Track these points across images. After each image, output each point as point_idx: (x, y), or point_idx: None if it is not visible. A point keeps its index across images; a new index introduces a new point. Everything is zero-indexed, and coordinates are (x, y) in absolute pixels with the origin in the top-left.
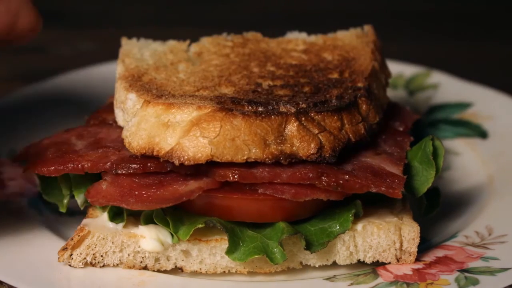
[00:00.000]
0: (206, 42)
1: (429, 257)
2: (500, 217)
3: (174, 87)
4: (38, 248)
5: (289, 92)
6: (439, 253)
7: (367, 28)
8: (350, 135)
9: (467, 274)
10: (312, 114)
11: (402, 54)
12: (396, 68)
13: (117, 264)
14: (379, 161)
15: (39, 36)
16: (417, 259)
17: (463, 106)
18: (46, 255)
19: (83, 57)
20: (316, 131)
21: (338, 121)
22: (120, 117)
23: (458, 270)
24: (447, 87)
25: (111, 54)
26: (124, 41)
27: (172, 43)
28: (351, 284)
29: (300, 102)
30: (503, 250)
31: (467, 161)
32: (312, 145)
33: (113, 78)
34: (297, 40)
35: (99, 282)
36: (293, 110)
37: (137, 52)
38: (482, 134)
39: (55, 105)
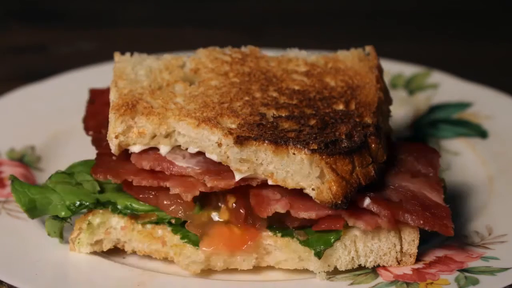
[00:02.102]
0: (202, 55)
1: (429, 257)
2: (500, 217)
3: (173, 118)
4: (38, 248)
5: (295, 125)
6: (439, 252)
7: (369, 49)
8: (361, 179)
9: (467, 274)
10: (324, 156)
11: (402, 54)
12: (396, 68)
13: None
14: (419, 186)
15: (39, 36)
16: (417, 259)
17: (463, 106)
18: (46, 255)
19: (83, 57)
20: (328, 177)
21: (350, 164)
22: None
23: (458, 270)
24: (447, 87)
25: (111, 54)
26: (117, 57)
27: (167, 58)
28: (351, 284)
29: (310, 142)
30: (503, 250)
31: (467, 161)
32: (325, 193)
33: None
34: (297, 60)
35: (99, 282)
36: (304, 153)
37: (131, 71)
38: (482, 134)
39: (55, 105)
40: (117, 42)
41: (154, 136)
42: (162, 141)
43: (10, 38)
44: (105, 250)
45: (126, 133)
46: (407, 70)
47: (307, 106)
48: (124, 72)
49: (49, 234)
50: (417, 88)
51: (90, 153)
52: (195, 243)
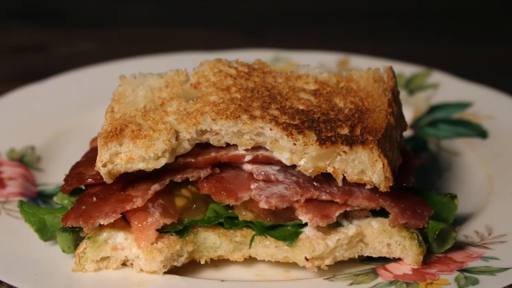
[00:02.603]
0: (207, 67)
1: (429, 257)
2: (500, 217)
3: (161, 139)
4: (37, 248)
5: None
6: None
7: (385, 69)
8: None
9: (467, 274)
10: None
11: (402, 54)
12: (396, 68)
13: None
14: None
15: (39, 36)
16: None
17: (463, 106)
18: (46, 255)
19: (83, 57)
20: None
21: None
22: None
23: (457, 270)
24: (447, 87)
25: (111, 54)
26: (121, 80)
27: (169, 74)
28: (351, 284)
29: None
30: (503, 250)
31: (467, 161)
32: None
33: (113, 78)
34: (307, 77)
35: (99, 282)
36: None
37: (131, 93)
38: (482, 134)
39: (55, 105)
40: (117, 42)
41: (144, 160)
42: (151, 164)
43: (10, 38)
44: (111, 268)
45: (114, 160)
46: (407, 70)
47: (308, 127)
48: (124, 95)
49: (63, 251)
50: (417, 88)
51: None
52: None
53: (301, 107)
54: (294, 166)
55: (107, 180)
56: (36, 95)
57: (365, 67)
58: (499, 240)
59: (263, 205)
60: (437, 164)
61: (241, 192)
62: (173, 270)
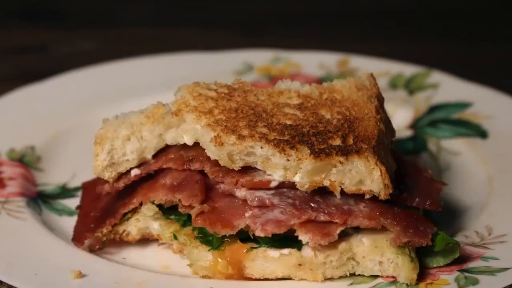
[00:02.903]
0: (185, 92)
1: None
2: (500, 217)
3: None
4: (37, 248)
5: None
6: None
7: (367, 76)
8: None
9: (466, 274)
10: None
11: (402, 54)
12: (396, 68)
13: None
14: None
15: (39, 36)
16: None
17: (463, 106)
18: (46, 255)
19: (83, 57)
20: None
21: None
22: None
23: (458, 270)
24: (447, 87)
25: (111, 54)
26: (103, 122)
27: (149, 109)
28: (351, 284)
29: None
30: (503, 250)
31: (467, 161)
32: None
33: (113, 78)
34: (289, 92)
35: (99, 282)
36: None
37: (113, 134)
38: (482, 134)
39: (55, 105)
40: (117, 42)
41: (142, 152)
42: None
43: (10, 38)
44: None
45: (113, 154)
46: (407, 70)
47: (300, 142)
48: (105, 136)
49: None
50: (417, 88)
51: (90, 153)
52: (209, 244)
53: (288, 122)
54: (290, 189)
55: (112, 180)
56: (36, 95)
57: (365, 67)
58: (499, 240)
59: (259, 233)
60: (437, 164)
61: (237, 220)
62: (173, 271)
